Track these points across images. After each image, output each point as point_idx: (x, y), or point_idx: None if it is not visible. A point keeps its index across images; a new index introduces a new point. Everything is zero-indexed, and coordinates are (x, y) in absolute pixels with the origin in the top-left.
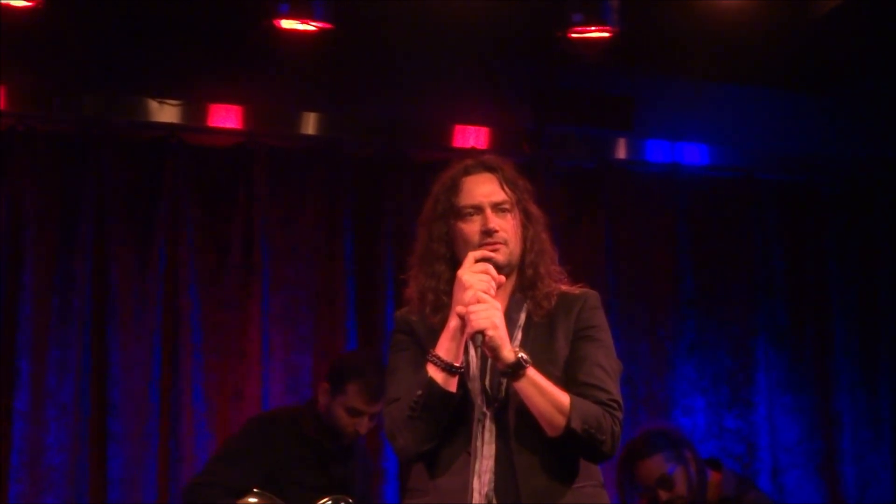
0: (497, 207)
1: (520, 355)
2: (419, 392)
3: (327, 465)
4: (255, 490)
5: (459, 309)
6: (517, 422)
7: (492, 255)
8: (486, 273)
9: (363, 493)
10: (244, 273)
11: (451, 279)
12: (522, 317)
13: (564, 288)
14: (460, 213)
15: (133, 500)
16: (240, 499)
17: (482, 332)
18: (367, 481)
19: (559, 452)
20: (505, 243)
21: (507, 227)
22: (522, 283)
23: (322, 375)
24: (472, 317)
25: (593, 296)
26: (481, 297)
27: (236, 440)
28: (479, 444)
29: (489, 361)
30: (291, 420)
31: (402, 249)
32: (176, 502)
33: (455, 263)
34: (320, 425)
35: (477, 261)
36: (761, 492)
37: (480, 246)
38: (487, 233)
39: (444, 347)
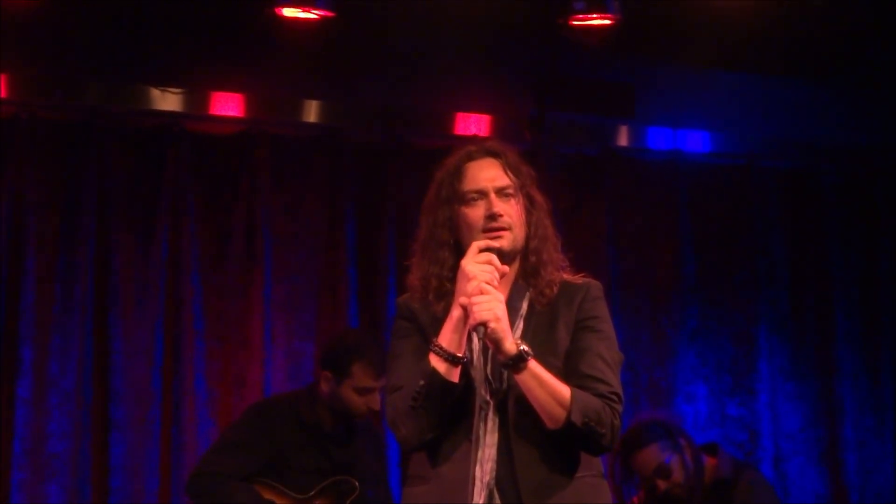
0: (501, 192)
1: (521, 348)
2: (422, 382)
3: (328, 448)
4: (257, 477)
5: (462, 300)
6: (517, 412)
7: (496, 244)
8: (490, 263)
9: (372, 472)
10: (246, 261)
11: (455, 266)
12: (524, 305)
13: (567, 277)
14: (464, 198)
15: (135, 487)
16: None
17: (484, 324)
18: (378, 459)
19: (559, 443)
20: (509, 228)
21: (511, 211)
22: (525, 269)
23: (320, 365)
24: (475, 308)
25: (595, 286)
26: (484, 289)
27: (235, 429)
28: (481, 433)
29: (490, 351)
30: (289, 406)
31: (404, 237)
32: (178, 490)
33: (459, 250)
34: (319, 410)
35: (481, 251)
36: (758, 472)
37: (485, 230)
38: (492, 217)
39: (447, 338)
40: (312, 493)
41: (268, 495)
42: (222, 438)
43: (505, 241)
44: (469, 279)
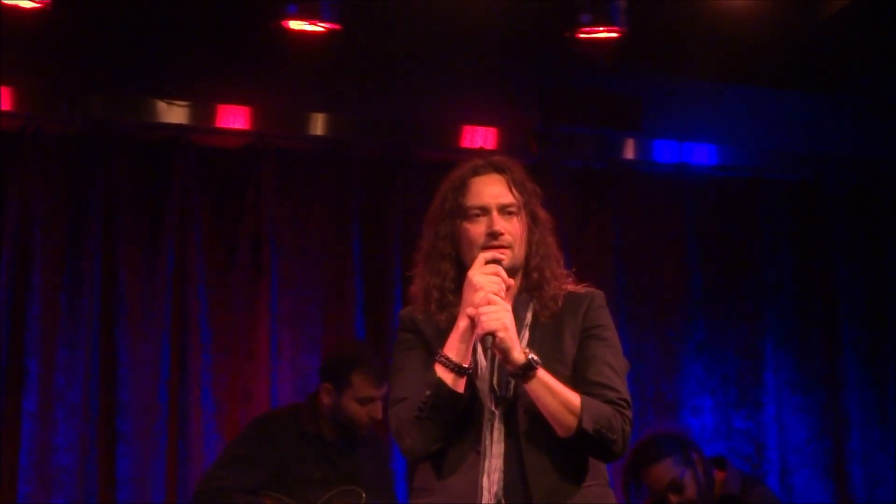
0: (504, 209)
1: (530, 356)
2: (428, 392)
3: (331, 458)
4: (262, 490)
5: (470, 310)
6: (526, 421)
7: (501, 256)
8: (497, 275)
9: (376, 480)
10: (252, 273)
11: (456, 277)
12: (529, 316)
13: (570, 287)
14: (467, 214)
15: (141, 501)
16: (247, 498)
17: (493, 334)
18: (382, 467)
19: (569, 451)
20: (510, 246)
21: (512, 230)
22: (528, 285)
23: (319, 377)
24: (483, 318)
25: (599, 295)
26: (492, 299)
27: (237, 443)
28: (488, 443)
29: (497, 361)
30: (291, 418)
31: (410, 249)
32: (185, 503)
33: (460, 263)
34: (321, 421)
35: (487, 262)
36: (766, 487)
37: (485, 248)
38: (493, 235)
39: (454, 348)
40: (318, 503)
41: None
42: (225, 453)
43: (505, 259)
44: (476, 290)
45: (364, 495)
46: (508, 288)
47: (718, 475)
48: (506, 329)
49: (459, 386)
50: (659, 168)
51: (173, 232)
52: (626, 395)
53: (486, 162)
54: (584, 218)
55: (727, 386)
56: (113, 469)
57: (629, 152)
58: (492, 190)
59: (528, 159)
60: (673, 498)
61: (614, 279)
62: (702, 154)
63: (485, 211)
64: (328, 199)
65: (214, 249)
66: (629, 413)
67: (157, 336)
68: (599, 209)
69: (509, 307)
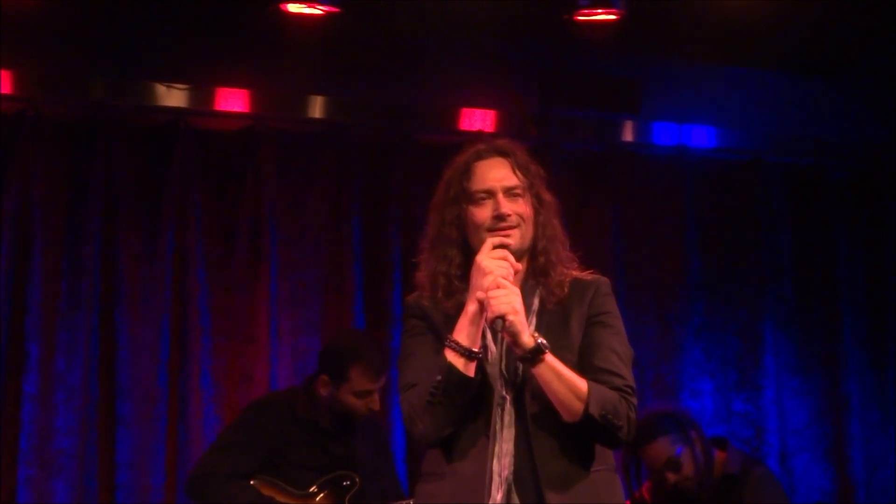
0: (509, 192)
1: (539, 340)
2: (439, 377)
3: (326, 444)
4: (256, 475)
5: (479, 294)
6: (534, 406)
7: (509, 241)
8: (505, 259)
9: (375, 465)
10: (252, 257)
11: (463, 263)
12: (536, 302)
13: (576, 274)
14: (472, 198)
15: (141, 483)
16: (241, 483)
17: (503, 317)
18: (380, 450)
19: (576, 437)
20: (517, 226)
21: (519, 210)
22: (535, 269)
23: (318, 367)
24: (493, 302)
25: (605, 282)
26: (501, 283)
27: (232, 429)
28: (498, 427)
29: (505, 346)
30: (285, 403)
31: (410, 233)
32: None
33: (466, 248)
34: (317, 409)
35: (495, 247)
36: (767, 468)
37: (491, 230)
38: (499, 217)
39: (464, 333)
40: (313, 488)
41: (267, 492)
42: (220, 438)
43: (512, 240)
44: (485, 274)
45: (359, 480)
46: (516, 273)
47: (719, 455)
48: (516, 312)
49: (470, 370)
50: (658, 151)
51: (173, 215)
52: (632, 382)
53: (489, 146)
54: (583, 201)
55: (727, 369)
56: (113, 452)
57: (628, 135)
58: (496, 173)
59: (526, 142)
60: (670, 476)
61: (613, 262)
62: (701, 137)
63: (490, 194)
64: (327, 183)
65: (214, 233)
66: (634, 400)
67: (156, 319)
68: (598, 192)
69: (518, 291)
